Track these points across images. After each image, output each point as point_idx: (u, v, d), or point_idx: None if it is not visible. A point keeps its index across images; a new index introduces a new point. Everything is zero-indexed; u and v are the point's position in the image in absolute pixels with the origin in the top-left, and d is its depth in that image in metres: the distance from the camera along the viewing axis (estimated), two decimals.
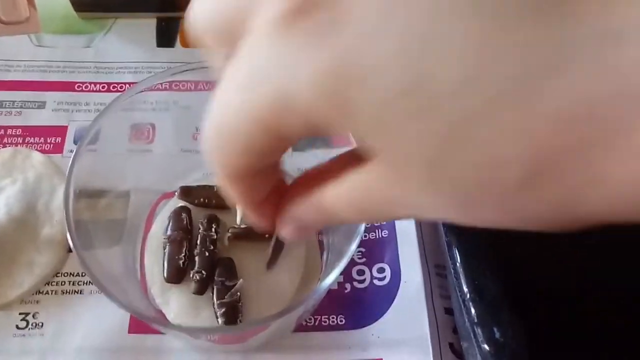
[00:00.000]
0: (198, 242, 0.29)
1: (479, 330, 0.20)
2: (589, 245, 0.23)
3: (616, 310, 0.22)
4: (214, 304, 0.28)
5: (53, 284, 0.31)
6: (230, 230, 0.30)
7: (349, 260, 0.24)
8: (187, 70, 0.30)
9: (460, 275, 0.21)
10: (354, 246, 0.24)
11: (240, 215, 0.30)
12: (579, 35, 0.08)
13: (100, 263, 0.26)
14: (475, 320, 0.20)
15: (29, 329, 0.30)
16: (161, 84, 0.31)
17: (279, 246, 0.28)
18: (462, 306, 0.21)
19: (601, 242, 0.22)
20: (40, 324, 0.30)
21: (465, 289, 0.21)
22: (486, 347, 0.20)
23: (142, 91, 0.29)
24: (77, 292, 0.31)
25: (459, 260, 0.21)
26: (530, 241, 0.24)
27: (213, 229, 0.30)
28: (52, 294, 0.31)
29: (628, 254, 0.23)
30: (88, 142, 0.27)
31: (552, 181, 0.09)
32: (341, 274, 0.31)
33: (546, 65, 0.08)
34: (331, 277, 0.24)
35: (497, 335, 0.20)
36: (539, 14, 0.08)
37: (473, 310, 0.21)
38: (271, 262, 0.28)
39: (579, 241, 0.24)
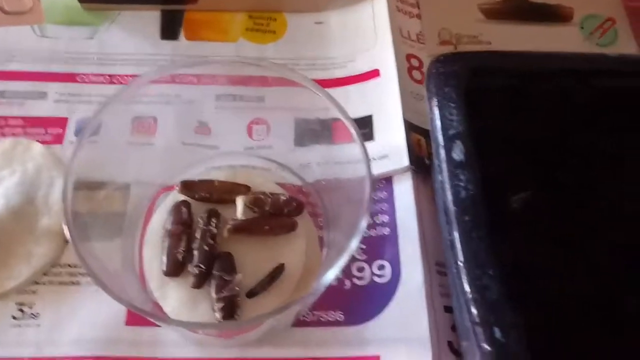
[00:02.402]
0: (198, 236, 0.29)
1: (479, 330, 0.20)
2: (594, 249, 0.23)
3: (618, 313, 0.22)
4: (212, 298, 0.28)
5: (50, 274, 0.31)
6: (230, 222, 0.30)
7: (349, 257, 0.24)
8: (193, 65, 0.29)
9: (462, 274, 0.21)
10: (354, 243, 0.24)
11: (241, 208, 0.30)
12: None
13: (97, 255, 0.26)
14: (476, 320, 0.20)
15: (25, 319, 0.29)
16: (164, 77, 0.31)
17: (267, 281, 0.28)
18: (463, 305, 0.21)
19: (605, 246, 0.22)
20: (37, 314, 0.30)
21: (467, 289, 0.21)
22: (486, 347, 0.20)
23: (146, 84, 0.28)
24: (75, 284, 0.31)
25: (461, 259, 0.21)
26: (534, 243, 0.24)
27: (213, 224, 0.30)
28: (49, 284, 0.31)
29: (631, 258, 0.23)
30: (90, 134, 0.27)
31: None
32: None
33: None
34: (331, 275, 0.23)
35: (498, 335, 0.20)
36: None
37: (474, 310, 0.20)
38: (255, 290, 0.28)
39: (583, 245, 0.24)
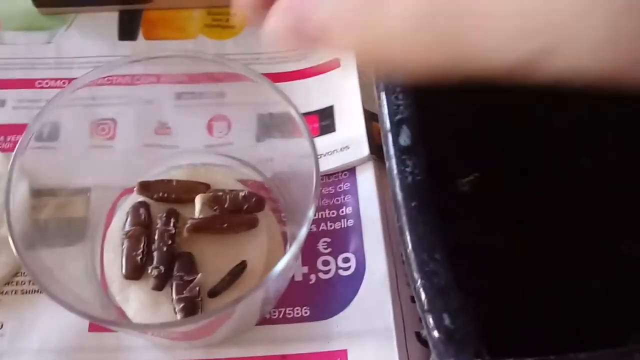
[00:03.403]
0: (156, 237, 0.29)
1: (429, 317, 0.20)
2: (544, 228, 0.23)
3: (573, 293, 0.21)
4: (172, 299, 0.27)
5: (12, 284, 0.31)
6: (189, 222, 0.29)
7: (300, 245, 0.24)
8: (136, 62, 0.29)
9: (411, 261, 0.21)
10: (303, 232, 0.24)
11: (200, 207, 0.30)
12: None
13: (50, 264, 0.26)
14: (425, 307, 0.20)
15: None
16: (122, 76, 0.31)
17: (229, 280, 0.28)
18: (414, 293, 0.21)
19: (556, 225, 0.22)
20: (0, 325, 0.29)
21: (416, 275, 0.20)
22: (436, 334, 0.19)
23: (82, 87, 0.28)
24: (37, 292, 0.30)
25: (409, 246, 0.21)
26: (485, 226, 0.23)
27: (172, 224, 0.29)
28: (11, 294, 0.30)
29: (581, 234, 0.22)
30: (32, 138, 0.26)
31: None
32: (306, 264, 0.31)
33: None
34: (280, 265, 0.23)
35: (447, 322, 0.19)
36: None
37: (423, 297, 0.20)
38: (216, 289, 0.28)
39: (534, 225, 0.24)
